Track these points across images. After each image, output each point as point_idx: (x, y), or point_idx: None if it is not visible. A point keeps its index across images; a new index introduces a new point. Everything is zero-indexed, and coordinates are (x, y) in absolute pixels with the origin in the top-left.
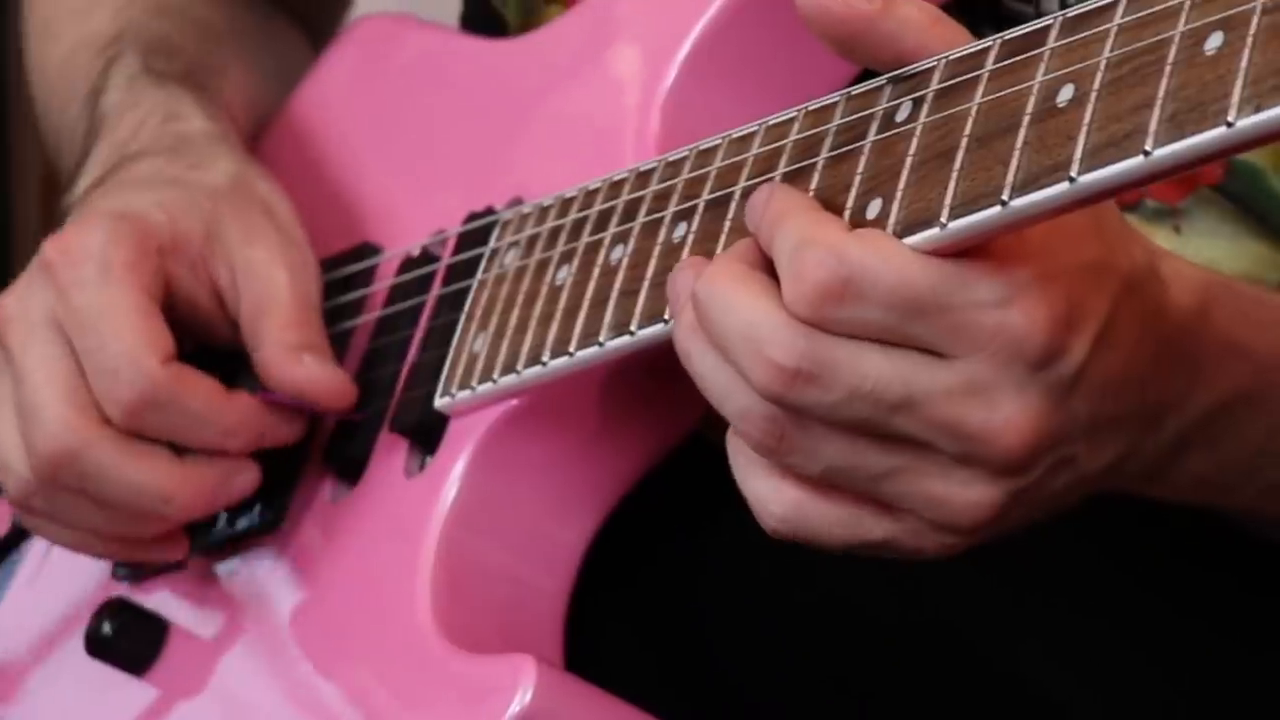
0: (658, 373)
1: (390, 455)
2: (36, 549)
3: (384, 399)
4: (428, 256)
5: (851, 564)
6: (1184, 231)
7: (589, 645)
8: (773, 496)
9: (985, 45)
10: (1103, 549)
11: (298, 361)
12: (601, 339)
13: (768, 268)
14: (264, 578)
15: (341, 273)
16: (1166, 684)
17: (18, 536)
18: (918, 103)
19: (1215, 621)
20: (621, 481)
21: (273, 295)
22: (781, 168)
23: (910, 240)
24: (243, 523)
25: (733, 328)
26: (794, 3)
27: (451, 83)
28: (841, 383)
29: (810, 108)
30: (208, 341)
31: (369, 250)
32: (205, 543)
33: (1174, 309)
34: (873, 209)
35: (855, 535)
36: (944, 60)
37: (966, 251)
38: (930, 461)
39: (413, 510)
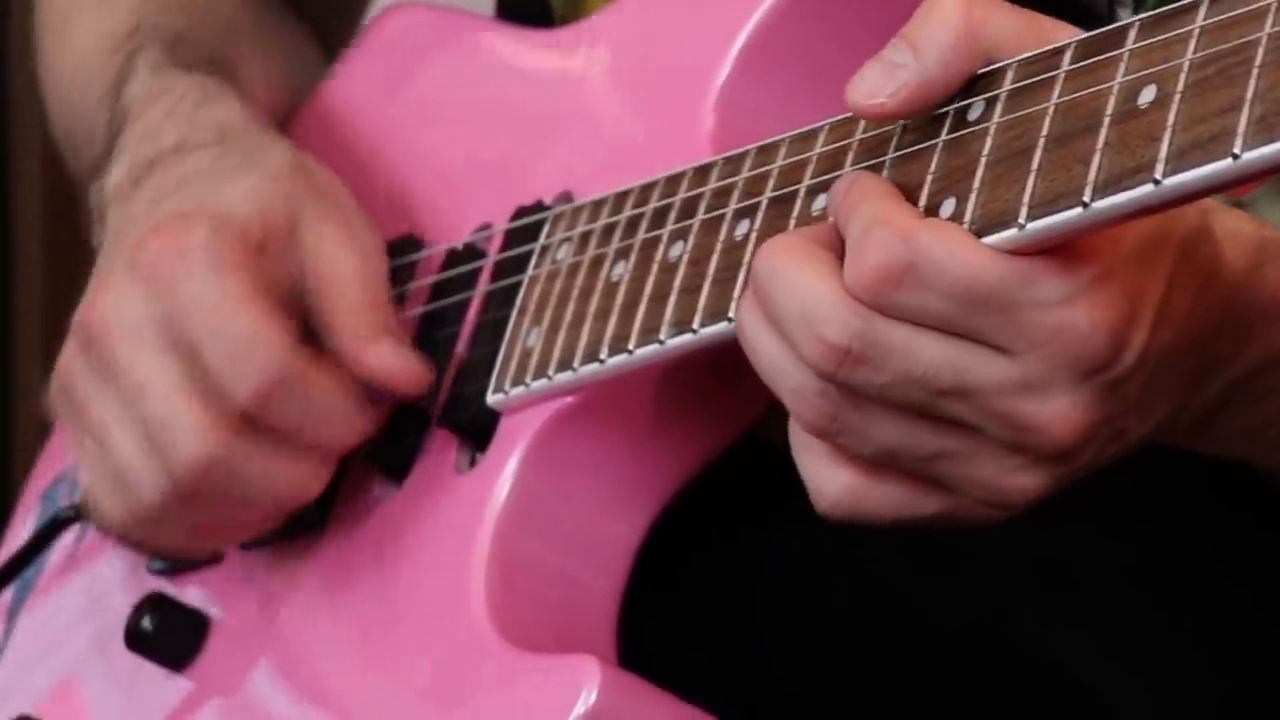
0: (714, 371)
1: (439, 452)
2: (64, 544)
3: (432, 395)
4: (473, 251)
5: (903, 564)
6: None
7: (639, 645)
8: (827, 480)
9: (1061, 46)
10: (1151, 543)
11: (377, 347)
12: (662, 336)
13: (837, 250)
14: (307, 575)
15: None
16: (1216, 676)
17: (44, 539)
18: (990, 102)
19: (1269, 612)
20: (675, 480)
21: (339, 280)
22: (848, 165)
23: (988, 240)
24: (286, 520)
25: (789, 304)
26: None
27: (492, 74)
28: (893, 366)
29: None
30: None
31: (411, 244)
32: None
33: (1227, 269)
34: (947, 208)
35: (907, 513)
36: (1017, 61)
37: None
38: (981, 446)
39: (464, 507)
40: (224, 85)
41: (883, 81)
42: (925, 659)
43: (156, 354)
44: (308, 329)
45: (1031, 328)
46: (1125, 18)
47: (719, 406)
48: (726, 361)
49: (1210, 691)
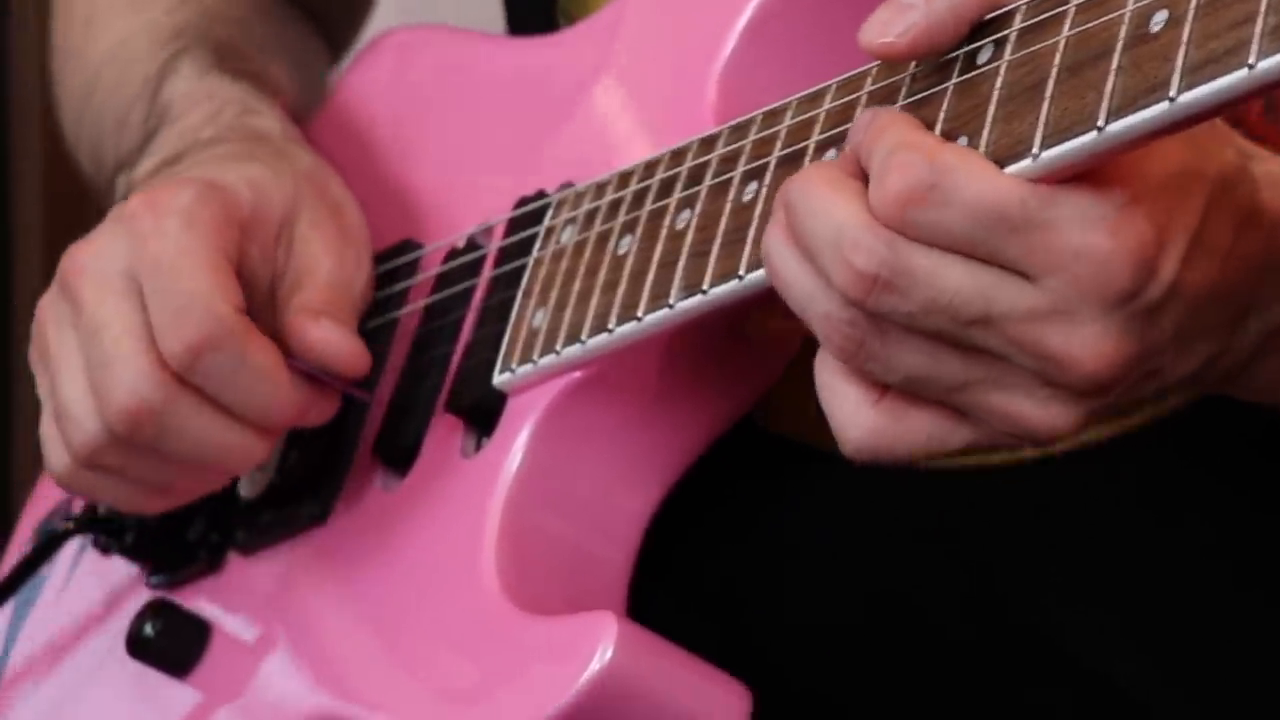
0: (719, 345)
1: (445, 438)
2: (64, 558)
3: (436, 382)
4: (475, 245)
5: (916, 555)
6: None
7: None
8: (851, 420)
9: None
10: (1186, 543)
11: (315, 324)
12: (671, 300)
13: (863, 181)
14: (312, 572)
15: (385, 267)
16: (1254, 680)
17: (43, 553)
18: (1000, 43)
19: None
20: (683, 455)
21: (310, 273)
22: (857, 118)
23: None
24: (288, 515)
25: (819, 230)
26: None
27: (489, 81)
28: (919, 294)
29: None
30: (254, 319)
31: (411, 246)
32: (248, 539)
33: (1268, 212)
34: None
35: (935, 446)
36: (1026, 3)
37: None
38: (1009, 376)
39: (473, 486)
40: (270, 101)
41: (893, 22)
42: (934, 642)
43: (117, 298)
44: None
45: (1053, 250)
46: None
47: (725, 380)
48: (730, 333)
49: (1248, 699)
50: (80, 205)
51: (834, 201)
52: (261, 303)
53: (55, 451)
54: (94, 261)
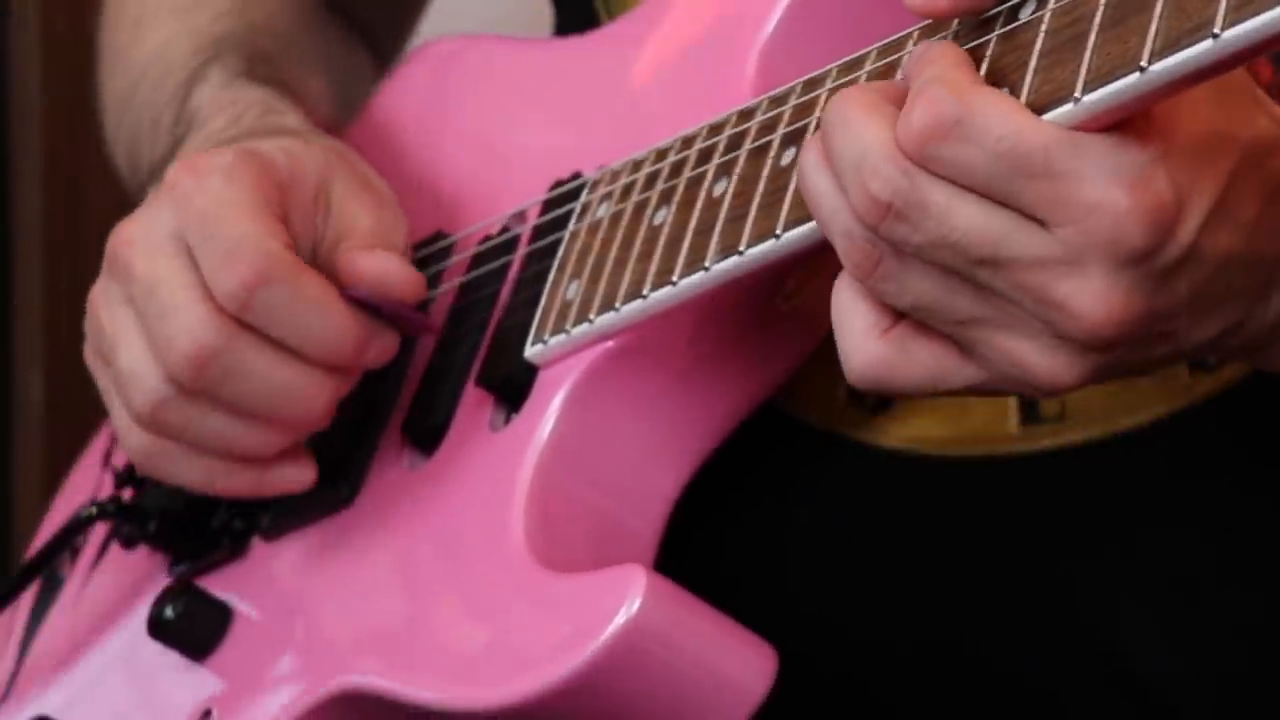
0: (750, 320)
1: (473, 414)
2: (90, 549)
3: (467, 359)
4: (507, 229)
5: (933, 543)
6: None
7: None
8: (859, 347)
9: None
10: (1217, 543)
11: (368, 254)
12: (708, 263)
13: (902, 105)
14: (338, 553)
15: (418, 255)
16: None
17: (67, 537)
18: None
19: None
20: (714, 430)
21: (351, 230)
22: (898, 78)
23: (1045, 117)
24: (315, 498)
25: (845, 150)
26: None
27: (524, 79)
28: (929, 227)
29: (924, 24)
30: None
31: (443, 236)
32: (272, 524)
33: None
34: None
35: (937, 382)
36: None
37: None
38: (1015, 319)
39: (503, 456)
40: (293, 105)
41: None
42: (950, 628)
43: (168, 259)
44: None
45: (1071, 200)
46: None
47: (755, 356)
48: (760, 306)
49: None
50: (80, 205)
51: (864, 124)
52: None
53: (125, 428)
54: (141, 232)
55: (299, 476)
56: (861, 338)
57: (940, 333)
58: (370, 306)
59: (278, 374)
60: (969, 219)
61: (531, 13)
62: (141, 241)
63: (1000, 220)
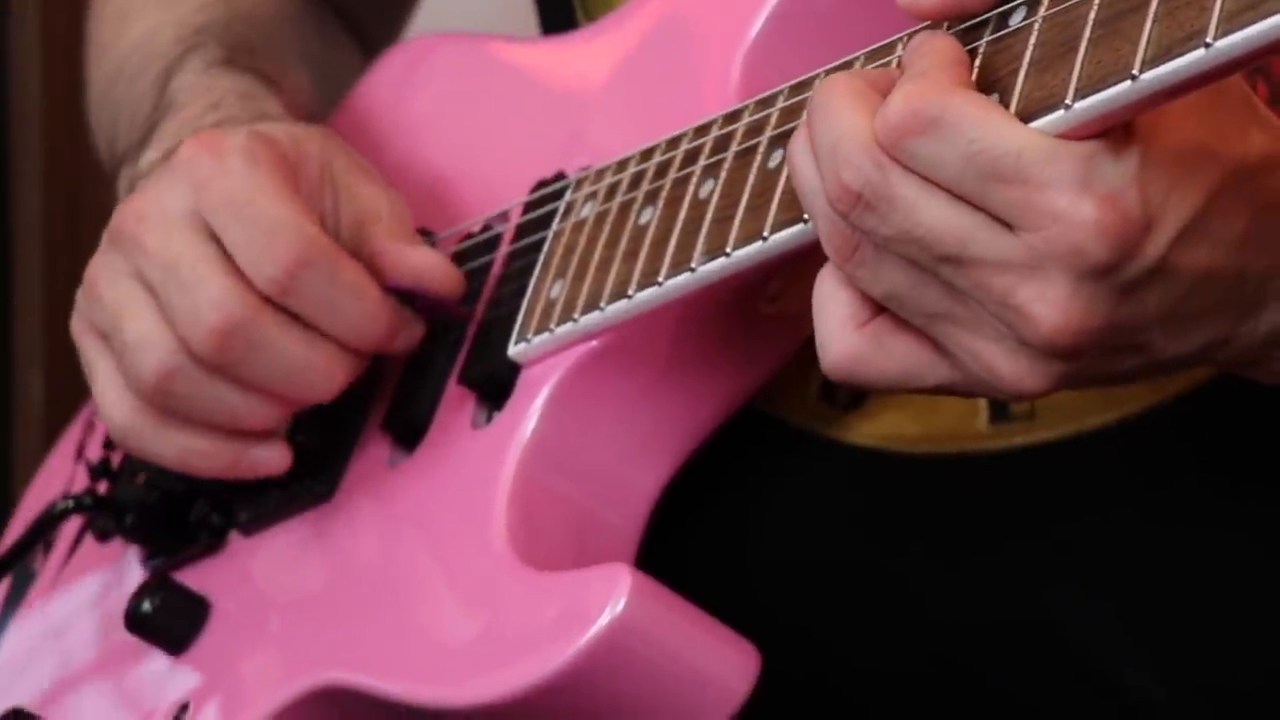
0: (733, 322)
1: (456, 411)
2: (62, 542)
3: (449, 357)
4: (490, 228)
5: (902, 544)
6: None
7: None
8: (835, 337)
9: None
10: (1189, 541)
11: (408, 249)
12: (694, 264)
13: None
14: (317, 547)
15: None
16: (1262, 677)
17: (41, 530)
18: (1032, 5)
19: None
20: (694, 431)
21: (372, 210)
22: (894, 66)
23: (1035, 124)
24: (293, 492)
25: (824, 136)
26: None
27: (504, 78)
28: (895, 220)
29: (914, 30)
30: None
31: (424, 234)
32: (250, 519)
33: None
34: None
35: (910, 378)
36: None
37: None
38: (980, 319)
39: (485, 453)
40: (269, 89)
41: None
42: (925, 627)
43: (187, 235)
44: None
45: (1038, 207)
46: None
47: (737, 358)
48: (743, 308)
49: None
50: (80, 204)
51: (844, 110)
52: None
53: (116, 402)
54: (153, 207)
55: (275, 458)
56: (839, 327)
57: (916, 330)
58: (403, 294)
59: (301, 352)
60: (935, 216)
61: (521, 11)
62: (155, 217)
63: (967, 220)
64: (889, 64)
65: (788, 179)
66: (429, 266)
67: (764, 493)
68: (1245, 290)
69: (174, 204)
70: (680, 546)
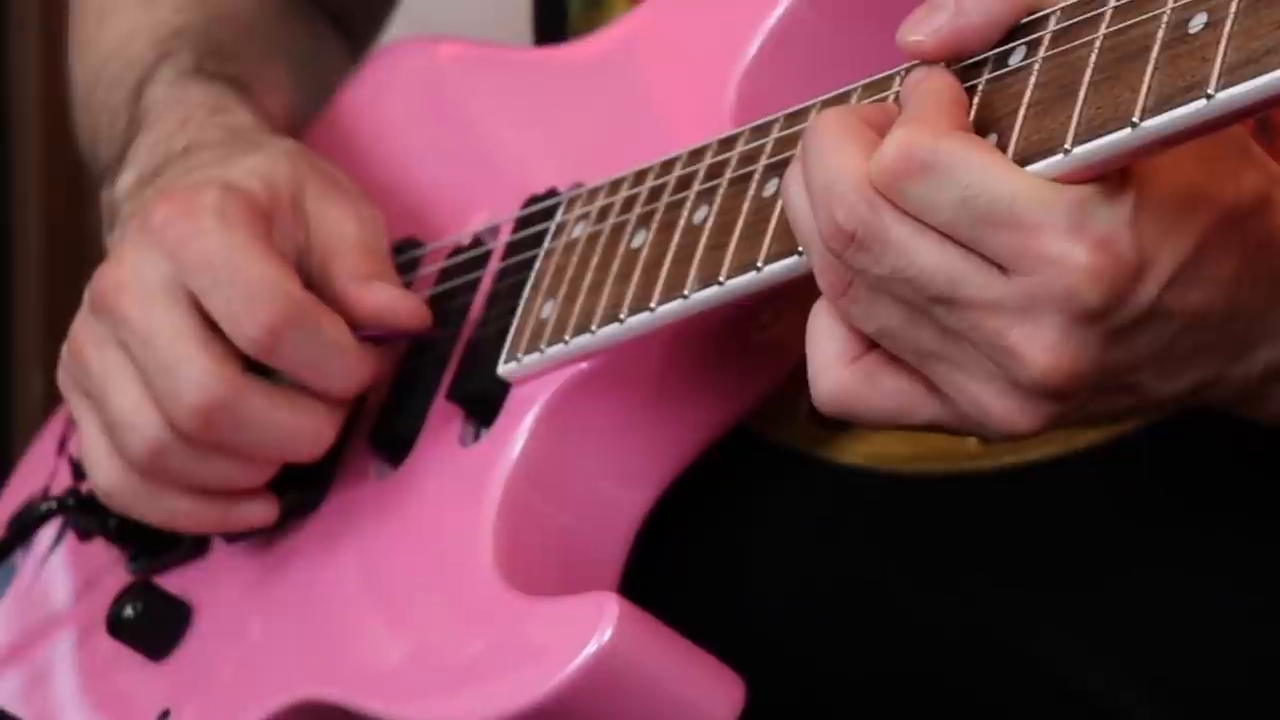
0: (723, 347)
1: (443, 427)
2: (41, 543)
3: (436, 373)
4: (479, 242)
5: (891, 562)
6: None
7: None
8: (827, 372)
9: None
10: (1163, 554)
11: (370, 289)
12: (687, 291)
13: (885, 133)
14: (301, 559)
15: None
16: (1233, 690)
17: (22, 533)
18: (1033, 45)
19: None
20: (682, 453)
21: (339, 239)
22: (890, 101)
23: (1033, 168)
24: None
25: (818, 175)
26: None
27: (497, 87)
28: (888, 261)
29: (911, 65)
30: None
31: (414, 243)
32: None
33: None
34: (989, 141)
35: (901, 415)
36: (1060, 8)
37: None
38: (971, 358)
39: (472, 473)
40: (240, 99)
41: (926, 21)
42: (909, 652)
43: (166, 306)
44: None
45: (1031, 252)
46: None
47: (727, 382)
48: (735, 333)
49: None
50: (80, 205)
51: (839, 149)
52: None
53: (104, 466)
54: (132, 275)
55: (262, 513)
56: (831, 362)
57: (908, 367)
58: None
59: (288, 419)
60: (928, 258)
61: (510, 13)
62: (134, 287)
63: (959, 262)
64: (885, 99)
65: (783, 210)
66: (388, 305)
67: (753, 512)
68: (1236, 328)
69: (152, 272)
70: (670, 565)
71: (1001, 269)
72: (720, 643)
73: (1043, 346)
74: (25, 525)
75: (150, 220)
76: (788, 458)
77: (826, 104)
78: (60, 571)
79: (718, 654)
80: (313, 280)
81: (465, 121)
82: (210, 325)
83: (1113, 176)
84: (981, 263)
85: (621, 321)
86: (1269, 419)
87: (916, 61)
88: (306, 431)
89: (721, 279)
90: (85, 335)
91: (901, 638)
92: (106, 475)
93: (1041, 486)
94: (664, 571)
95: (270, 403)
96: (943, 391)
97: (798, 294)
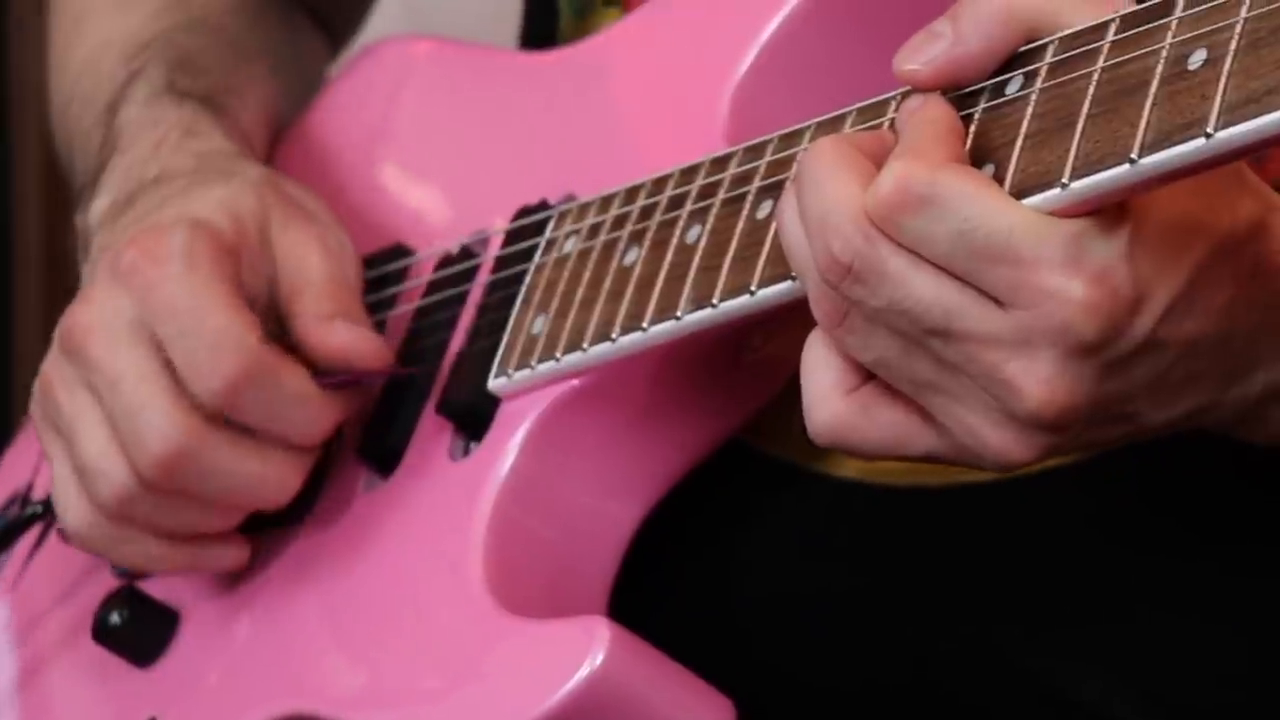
0: (715, 364)
1: (433, 440)
2: (22, 544)
3: (424, 386)
4: (468, 253)
5: (884, 573)
6: None
7: None
8: (822, 403)
9: (1104, 21)
10: (1157, 571)
11: (330, 329)
12: (679, 313)
13: (880, 161)
14: (288, 570)
15: (373, 273)
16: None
17: (6, 538)
18: (1030, 75)
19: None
20: (672, 469)
21: (304, 273)
22: (885, 128)
23: (1029, 201)
24: (265, 514)
25: (813, 206)
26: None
27: (486, 95)
28: (885, 293)
29: (907, 90)
30: None
31: (401, 251)
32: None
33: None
34: (985, 172)
35: (897, 446)
36: (1057, 39)
37: None
38: (967, 390)
39: (462, 488)
40: (214, 121)
41: (922, 50)
42: (902, 663)
43: (131, 349)
44: (280, 330)
45: (1029, 286)
46: None
47: (718, 400)
48: (727, 352)
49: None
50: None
51: (834, 180)
52: (262, 316)
53: (75, 508)
54: (99, 318)
55: (233, 556)
56: (828, 393)
57: (904, 398)
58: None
59: (254, 468)
60: (924, 290)
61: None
62: (100, 330)
63: (955, 295)
64: (881, 125)
65: (776, 233)
66: (349, 346)
67: (747, 525)
68: (1231, 354)
69: (119, 316)
70: (665, 576)
71: (998, 302)
72: (714, 654)
73: (1039, 380)
74: (8, 531)
75: (119, 263)
76: (783, 470)
77: (821, 126)
78: (44, 574)
79: (711, 666)
80: (281, 315)
81: (456, 124)
82: (173, 369)
83: (1109, 210)
84: (978, 296)
85: (613, 340)
86: (1266, 441)
87: (908, 88)
88: (272, 479)
89: (715, 301)
90: (55, 375)
91: (896, 650)
92: (76, 517)
93: (1036, 498)
94: (659, 582)
95: (235, 451)
96: (939, 422)
97: (790, 315)
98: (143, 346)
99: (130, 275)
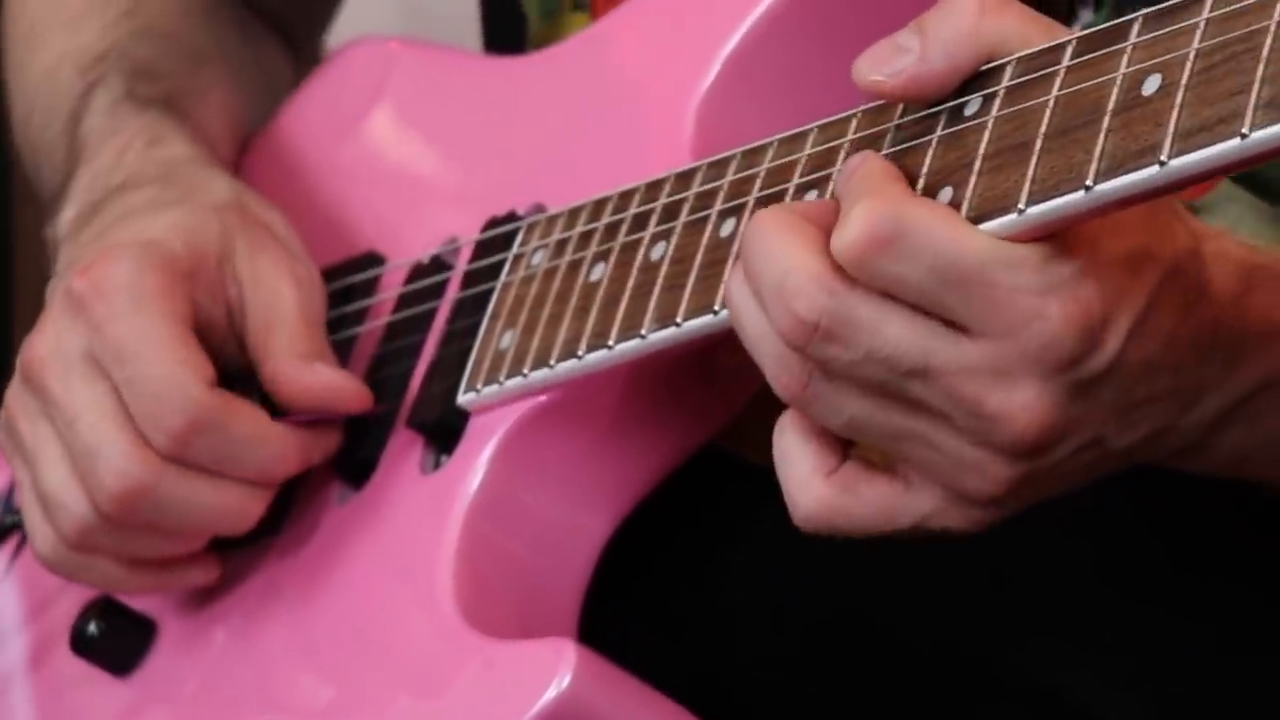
0: (682, 374)
1: (403, 454)
2: (7, 550)
3: (396, 399)
4: (440, 264)
5: (870, 581)
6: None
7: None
8: (802, 491)
9: (1061, 43)
10: (1142, 568)
11: (310, 371)
12: (644, 331)
13: (826, 227)
14: (262, 582)
15: (343, 283)
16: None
17: None
18: (988, 98)
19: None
20: (642, 482)
21: (278, 309)
22: (838, 164)
23: (986, 226)
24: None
25: (767, 273)
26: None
27: (457, 99)
28: (860, 343)
29: (868, 108)
30: (219, 360)
31: (373, 260)
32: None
33: (1215, 292)
34: (943, 196)
35: (885, 521)
36: (1016, 59)
37: None
38: (948, 433)
39: (432, 502)
40: (177, 126)
41: (887, 61)
42: (889, 672)
43: (87, 385)
44: (241, 355)
45: (1004, 311)
46: (1086, 17)
47: (686, 412)
48: (695, 365)
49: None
50: None
51: (783, 245)
52: (222, 341)
53: (42, 535)
54: (53, 350)
55: (202, 574)
56: (808, 479)
57: (886, 470)
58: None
59: (212, 499)
60: (899, 332)
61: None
62: (53, 362)
63: (929, 331)
64: (840, 145)
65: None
66: (331, 388)
67: (730, 532)
68: (1183, 380)
69: (70, 346)
70: (648, 585)
71: (969, 332)
72: (702, 664)
73: (1021, 404)
74: None
75: (71, 290)
76: (766, 478)
77: (783, 144)
78: (22, 582)
79: (699, 674)
80: (246, 343)
81: (427, 128)
82: (126, 407)
83: (1069, 233)
84: (949, 328)
85: (580, 358)
86: (1202, 470)
87: (875, 104)
88: (233, 510)
89: (679, 320)
90: (18, 406)
91: (884, 657)
92: (43, 543)
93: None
94: (641, 592)
95: (192, 486)
96: (921, 477)
97: None
98: (99, 383)
99: (79, 309)
